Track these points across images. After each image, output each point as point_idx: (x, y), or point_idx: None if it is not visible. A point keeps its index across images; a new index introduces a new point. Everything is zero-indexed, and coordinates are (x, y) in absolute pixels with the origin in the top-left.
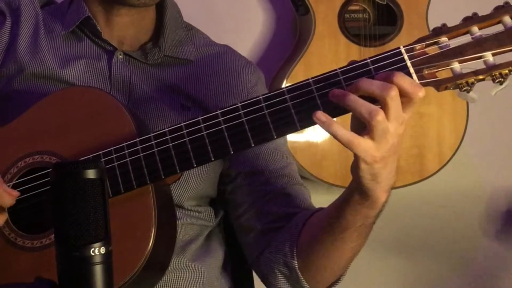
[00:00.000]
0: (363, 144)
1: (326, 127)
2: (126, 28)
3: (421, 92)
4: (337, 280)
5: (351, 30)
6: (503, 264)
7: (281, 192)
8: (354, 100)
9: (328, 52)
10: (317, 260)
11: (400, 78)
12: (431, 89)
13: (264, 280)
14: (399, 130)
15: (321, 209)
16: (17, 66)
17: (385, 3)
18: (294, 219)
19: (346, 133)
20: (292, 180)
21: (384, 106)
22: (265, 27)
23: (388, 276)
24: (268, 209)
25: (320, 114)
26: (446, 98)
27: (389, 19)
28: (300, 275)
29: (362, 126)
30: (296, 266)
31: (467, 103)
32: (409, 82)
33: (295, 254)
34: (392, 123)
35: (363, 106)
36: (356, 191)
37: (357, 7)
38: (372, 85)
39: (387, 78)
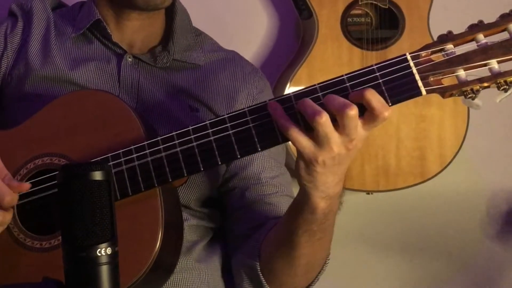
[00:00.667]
0: (302, 141)
1: (276, 116)
2: (136, 32)
3: (387, 112)
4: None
5: (353, 34)
6: (503, 264)
7: (265, 201)
8: (302, 101)
9: (331, 55)
10: (276, 264)
11: (370, 94)
12: None
13: (235, 281)
14: (350, 145)
15: None
16: (28, 68)
17: (387, 7)
18: (265, 225)
19: (290, 127)
20: (281, 191)
21: (340, 122)
22: (269, 31)
23: (390, 275)
24: (249, 215)
25: (273, 103)
26: (447, 101)
27: (391, 23)
28: (261, 277)
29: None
30: (258, 268)
31: (468, 107)
32: (378, 100)
33: (257, 257)
34: (342, 136)
35: (309, 107)
36: (298, 195)
37: (359, 11)
38: (334, 102)
39: (357, 95)
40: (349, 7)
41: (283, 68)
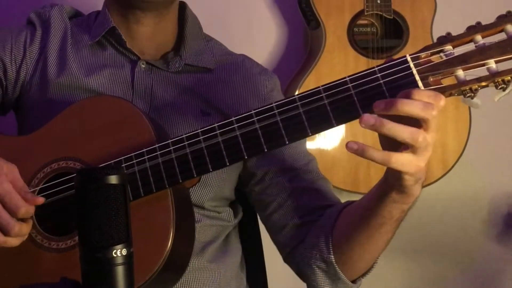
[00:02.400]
0: (402, 159)
1: (360, 153)
2: (149, 39)
3: (434, 112)
4: (372, 266)
5: (359, 43)
6: (503, 264)
7: (309, 187)
8: (392, 127)
9: (338, 64)
10: (353, 253)
11: (404, 105)
12: None
13: (300, 274)
14: (436, 136)
15: (349, 203)
16: (46, 76)
17: (392, 17)
18: (326, 214)
19: (380, 154)
20: (317, 175)
21: (425, 124)
22: (279, 40)
23: (395, 275)
24: (300, 203)
25: (352, 143)
26: (449, 107)
27: (395, 33)
28: (337, 269)
29: (394, 141)
30: (334, 261)
31: (470, 112)
32: (416, 107)
33: (331, 249)
34: (432, 135)
35: (403, 131)
36: (394, 191)
37: (365, 22)
38: (414, 107)
39: (388, 108)
40: (355, 18)
41: (292, 76)
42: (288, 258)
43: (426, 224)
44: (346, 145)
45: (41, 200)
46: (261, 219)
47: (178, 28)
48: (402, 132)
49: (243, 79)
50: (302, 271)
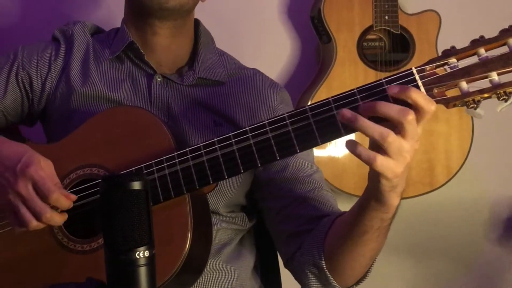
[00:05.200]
0: (382, 161)
1: (351, 150)
2: (165, 49)
3: (433, 106)
4: (364, 276)
5: (368, 57)
6: (504, 266)
7: (309, 197)
8: (364, 124)
9: (348, 76)
10: (342, 260)
11: (414, 93)
12: (440, 108)
13: (298, 280)
14: (416, 146)
15: (344, 213)
16: (70, 88)
17: (399, 32)
18: (321, 223)
19: (366, 152)
20: (319, 186)
21: (401, 129)
22: (293, 54)
23: (401, 276)
24: (298, 213)
25: (346, 112)
26: (453, 117)
27: (402, 47)
28: (328, 274)
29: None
30: (324, 267)
31: (472, 121)
32: (423, 97)
33: (322, 256)
34: (409, 141)
35: (373, 129)
36: (372, 198)
37: (374, 36)
38: (390, 109)
39: (401, 92)
40: (364, 33)
41: (305, 88)
42: (288, 264)
43: (431, 227)
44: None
45: (73, 197)
46: (266, 225)
47: (193, 43)
48: (372, 129)
49: (254, 92)
50: (298, 276)
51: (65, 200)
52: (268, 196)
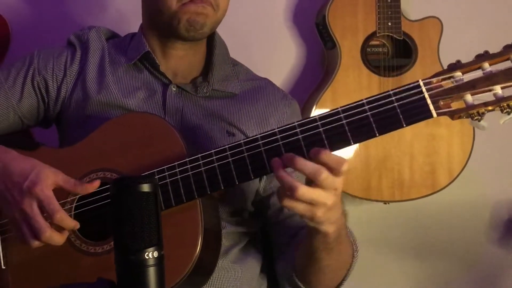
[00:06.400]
0: (298, 206)
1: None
2: (180, 61)
3: (344, 166)
4: (339, 284)
5: (372, 62)
6: (504, 266)
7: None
8: (302, 163)
9: (352, 81)
10: (307, 273)
11: (325, 156)
12: None
13: (280, 285)
14: (337, 192)
15: None
16: (85, 93)
17: (402, 38)
18: (298, 236)
19: (310, 166)
20: None
21: (318, 184)
22: (298, 59)
23: (404, 276)
24: (286, 228)
25: (275, 161)
26: (455, 122)
27: (405, 52)
28: (299, 282)
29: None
30: (294, 275)
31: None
32: (334, 160)
33: (293, 267)
34: (327, 191)
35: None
36: (311, 229)
37: (377, 42)
38: (306, 167)
39: (316, 154)
40: (368, 39)
41: (310, 92)
42: (274, 262)
43: (433, 228)
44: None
45: (96, 184)
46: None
47: (207, 53)
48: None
49: (266, 103)
50: (279, 282)
51: (70, 221)
52: (266, 208)
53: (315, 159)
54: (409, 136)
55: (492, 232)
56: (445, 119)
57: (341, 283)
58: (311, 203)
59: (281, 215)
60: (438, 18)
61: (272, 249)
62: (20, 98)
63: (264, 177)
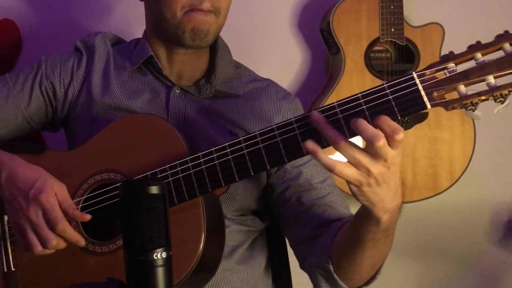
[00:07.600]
0: (343, 168)
1: (313, 153)
2: (184, 65)
3: (399, 135)
4: (373, 277)
5: (375, 67)
6: (504, 266)
7: (322, 203)
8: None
9: (356, 86)
10: (346, 264)
11: (383, 121)
12: (444, 117)
13: (311, 280)
14: (386, 164)
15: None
16: (90, 97)
17: (404, 44)
18: (331, 227)
19: (327, 160)
20: (332, 192)
21: (371, 149)
22: (303, 64)
23: (407, 276)
24: (311, 218)
25: (308, 144)
26: (456, 125)
27: (408, 57)
28: (336, 276)
29: None
30: (332, 270)
31: (474, 129)
32: (390, 126)
33: (329, 260)
34: (377, 159)
35: (368, 129)
36: (361, 209)
37: (380, 48)
38: (367, 130)
39: (377, 121)
40: (371, 44)
41: (315, 97)
42: (302, 266)
43: (435, 229)
44: (304, 145)
45: (88, 217)
46: (281, 229)
47: (211, 56)
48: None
49: (268, 103)
50: (310, 277)
51: (72, 232)
52: (283, 202)
53: (373, 124)
54: (411, 139)
55: (492, 233)
56: (447, 122)
57: (370, 281)
58: (354, 163)
59: (300, 206)
60: (440, 24)
61: (295, 246)
62: (29, 102)
63: (273, 173)
